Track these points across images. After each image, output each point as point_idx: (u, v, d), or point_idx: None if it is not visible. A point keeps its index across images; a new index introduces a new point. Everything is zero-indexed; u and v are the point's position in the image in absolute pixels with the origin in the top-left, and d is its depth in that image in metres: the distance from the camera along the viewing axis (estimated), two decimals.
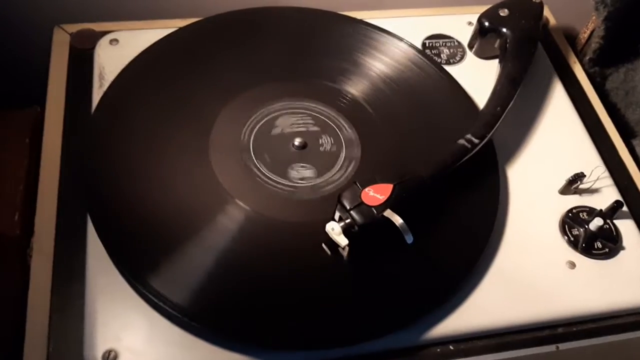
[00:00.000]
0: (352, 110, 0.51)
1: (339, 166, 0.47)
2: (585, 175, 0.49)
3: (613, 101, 0.63)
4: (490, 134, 0.47)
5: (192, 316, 0.39)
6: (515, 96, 0.50)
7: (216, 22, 0.54)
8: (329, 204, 0.43)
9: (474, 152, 0.46)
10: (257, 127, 0.49)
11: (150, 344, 0.40)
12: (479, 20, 0.56)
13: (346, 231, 0.41)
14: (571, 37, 0.66)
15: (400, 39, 0.55)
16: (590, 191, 0.50)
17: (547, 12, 0.63)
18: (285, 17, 0.56)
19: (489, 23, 0.55)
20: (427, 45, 0.58)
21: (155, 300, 0.40)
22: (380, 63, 0.54)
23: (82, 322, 0.40)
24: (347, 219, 0.41)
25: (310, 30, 0.55)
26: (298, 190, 0.46)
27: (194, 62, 0.51)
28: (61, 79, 0.52)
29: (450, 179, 0.45)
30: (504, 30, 0.54)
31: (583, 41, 0.65)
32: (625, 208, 0.48)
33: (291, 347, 0.40)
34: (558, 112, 0.55)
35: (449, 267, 0.44)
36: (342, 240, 0.41)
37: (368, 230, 0.41)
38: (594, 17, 0.62)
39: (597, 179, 0.50)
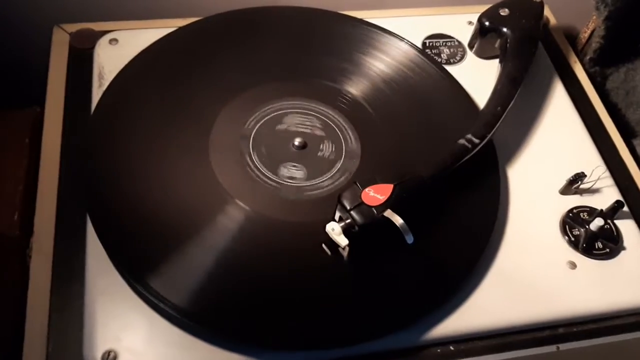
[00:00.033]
0: (352, 110, 0.51)
1: (330, 174, 0.47)
2: (585, 175, 0.49)
3: (613, 101, 0.63)
4: (491, 134, 0.47)
5: (192, 317, 0.39)
6: (516, 96, 0.50)
7: (216, 22, 0.54)
8: (329, 205, 0.43)
9: (474, 152, 0.46)
10: (257, 127, 0.49)
11: (149, 345, 0.39)
12: (479, 20, 0.56)
13: (346, 231, 0.41)
14: (571, 37, 0.66)
15: (401, 39, 0.55)
16: (591, 191, 0.50)
17: (547, 12, 0.63)
18: (285, 16, 0.56)
19: (490, 23, 0.55)
20: (427, 44, 0.58)
21: (155, 301, 0.40)
22: (381, 63, 0.53)
23: (81, 323, 0.40)
24: (347, 219, 0.41)
25: (310, 30, 0.55)
26: (297, 190, 0.46)
27: (194, 62, 0.51)
28: (61, 79, 0.52)
29: (451, 179, 0.45)
30: (505, 29, 0.54)
31: (583, 41, 0.65)
32: (625, 208, 0.48)
33: (291, 347, 0.40)
34: (558, 112, 0.55)
35: (449, 267, 0.44)
36: (342, 241, 0.41)
37: (368, 230, 0.40)
38: (594, 17, 0.62)
39: (598, 179, 0.49)
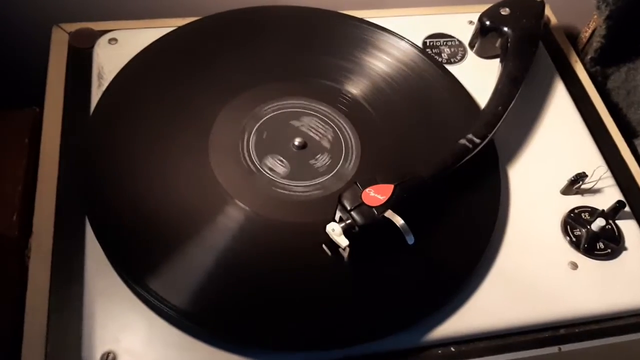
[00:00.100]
0: (352, 109, 0.50)
1: (309, 183, 0.46)
2: (587, 175, 0.48)
3: (614, 101, 0.63)
4: (492, 133, 0.47)
5: (191, 318, 0.39)
6: (517, 96, 0.49)
7: (216, 21, 0.54)
8: (330, 205, 0.43)
9: (475, 152, 0.45)
10: (257, 126, 0.49)
11: (149, 346, 0.39)
12: (480, 19, 0.55)
13: (347, 232, 0.41)
14: (572, 36, 0.66)
15: (401, 38, 0.55)
16: (592, 191, 0.50)
17: (548, 11, 0.63)
18: (285, 16, 0.55)
19: (490, 22, 0.55)
20: (427, 44, 0.58)
21: (154, 302, 0.39)
22: (381, 62, 0.53)
23: (80, 324, 0.40)
24: (347, 219, 0.41)
25: (311, 30, 0.55)
26: (313, 189, 0.46)
27: (194, 62, 0.51)
28: (60, 79, 0.51)
29: (451, 179, 0.45)
30: (505, 29, 0.54)
31: (584, 40, 0.64)
32: (627, 208, 0.48)
33: (291, 348, 0.40)
34: (559, 112, 0.55)
35: (449, 268, 0.44)
36: (343, 241, 0.40)
37: (369, 231, 0.40)
38: (595, 16, 0.62)
39: (599, 179, 0.49)
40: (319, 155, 0.47)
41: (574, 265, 0.46)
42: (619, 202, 0.47)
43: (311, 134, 0.48)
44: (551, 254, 0.46)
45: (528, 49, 0.53)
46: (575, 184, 0.49)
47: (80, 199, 0.45)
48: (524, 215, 0.48)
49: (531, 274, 0.45)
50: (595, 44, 0.62)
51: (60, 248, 0.43)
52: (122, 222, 0.42)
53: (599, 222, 0.46)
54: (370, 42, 0.54)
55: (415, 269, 0.43)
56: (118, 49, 0.52)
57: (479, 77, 0.55)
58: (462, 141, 0.46)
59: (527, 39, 0.53)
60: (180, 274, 0.41)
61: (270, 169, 0.46)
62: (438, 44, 0.58)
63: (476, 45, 0.57)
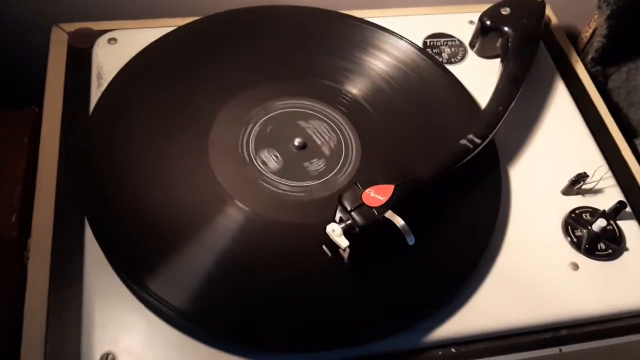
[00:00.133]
0: (352, 109, 0.50)
1: (295, 184, 0.46)
2: (588, 176, 0.48)
3: (615, 101, 0.63)
4: (492, 134, 0.47)
5: (191, 318, 0.39)
6: (517, 96, 0.49)
7: (215, 21, 0.54)
8: (330, 206, 0.42)
9: (475, 152, 0.45)
10: (257, 126, 0.48)
11: (148, 347, 0.39)
12: (481, 19, 0.55)
13: (347, 232, 0.40)
14: (573, 36, 0.66)
15: (401, 38, 0.54)
16: (593, 191, 0.50)
17: (548, 11, 0.63)
18: (285, 16, 0.55)
19: (491, 22, 0.55)
20: (428, 44, 0.58)
21: (153, 303, 0.39)
22: (381, 62, 0.53)
23: (79, 324, 0.40)
24: (347, 220, 0.41)
25: (310, 29, 0.55)
26: (298, 191, 0.45)
27: (193, 62, 0.51)
28: (59, 79, 0.51)
29: (452, 179, 0.45)
30: (506, 29, 0.54)
31: (585, 40, 0.64)
32: (628, 209, 0.48)
33: (291, 349, 0.40)
34: (560, 112, 0.55)
35: (450, 269, 0.43)
36: (343, 242, 0.40)
37: (369, 231, 0.40)
38: (596, 16, 0.62)
39: (600, 179, 0.49)
40: (315, 160, 0.47)
41: (575, 266, 0.46)
42: (620, 202, 0.47)
43: (315, 137, 0.48)
44: (552, 254, 0.46)
45: (529, 49, 0.53)
46: (576, 184, 0.48)
47: (79, 199, 0.44)
48: (525, 216, 0.48)
49: (532, 275, 0.45)
50: (596, 43, 0.62)
51: (59, 248, 0.43)
52: (121, 223, 0.42)
53: (600, 223, 0.46)
54: (370, 42, 0.54)
55: (415, 270, 0.43)
56: (117, 48, 0.52)
57: (480, 77, 0.55)
58: (463, 141, 0.45)
59: (527, 39, 0.53)
60: (179, 275, 0.41)
61: (263, 162, 0.46)
62: (438, 43, 0.58)
63: (477, 45, 0.57)
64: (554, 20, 0.63)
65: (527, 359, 0.42)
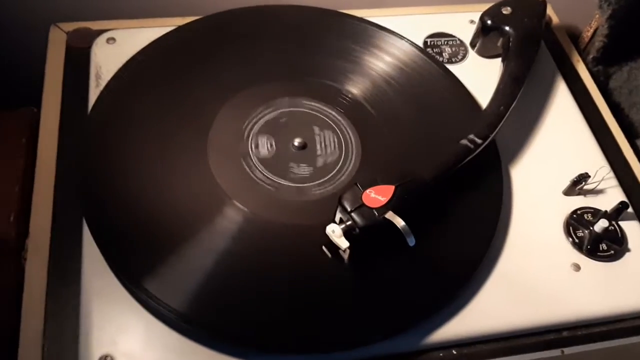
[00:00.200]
0: (352, 109, 0.50)
1: (270, 177, 0.46)
2: (589, 176, 0.48)
3: (616, 100, 0.62)
4: (494, 134, 0.46)
5: (190, 320, 0.39)
6: (519, 95, 0.49)
7: (215, 21, 0.53)
8: (330, 207, 0.42)
9: (476, 152, 0.45)
10: (257, 126, 0.48)
11: (147, 349, 0.39)
12: (481, 19, 0.55)
13: (347, 233, 0.40)
14: (574, 36, 0.65)
15: (402, 38, 0.54)
16: (595, 192, 0.49)
17: (549, 11, 0.63)
18: (285, 15, 0.55)
19: (492, 21, 0.54)
20: (428, 43, 0.57)
21: (152, 304, 0.39)
22: (382, 62, 0.53)
23: (77, 326, 0.40)
24: (348, 221, 0.40)
25: (310, 29, 0.54)
26: (299, 191, 0.45)
27: (192, 62, 0.51)
28: (57, 78, 0.51)
29: (453, 180, 0.45)
30: (507, 28, 0.53)
31: (586, 40, 0.64)
32: (630, 209, 0.48)
33: (291, 351, 0.40)
34: (561, 112, 0.55)
35: (451, 270, 0.43)
36: (343, 243, 0.40)
37: (369, 232, 0.40)
38: (597, 16, 0.62)
39: (602, 179, 0.49)
40: (303, 165, 0.47)
41: (577, 267, 0.45)
42: (622, 203, 0.46)
43: (317, 145, 0.47)
44: (553, 255, 0.46)
45: (530, 49, 0.53)
46: (577, 185, 0.48)
47: (77, 200, 0.44)
48: (526, 216, 0.47)
49: (533, 276, 0.45)
50: (598, 43, 0.61)
51: (57, 249, 0.43)
52: (119, 223, 0.42)
53: (602, 223, 0.45)
54: (370, 42, 0.54)
55: (416, 271, 0.43)
56: (116, 48, 0.52)
57: (481, 77, 0.55)
58: (464, 142, 0.45)
59: (529, 39, 0.53)
60: (178, 276, 0.40)
61: (255, 146, 0.46)
62: (439, 43, 0.57)
63: (477, 45, 0.57)
64: (555, 19, 0.63)
65: None
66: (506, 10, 0.54)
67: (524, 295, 0.43)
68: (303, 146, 0.47)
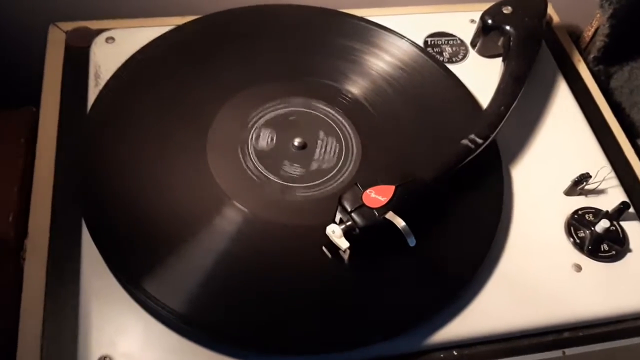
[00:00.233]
0: (352, 109, 0.50)
1: (258, 168, 0.46)
2: (591, 176, 0.48)
3: (617, 100, 0.62)
4: (494, 134, 0.46)
5: (189, 321, 0.39)
6: (520, 95, 0.49)
7: (214, 20, 0.53)
8: (330, 207, 0.42)
9: (477, 152, 0.45)
10: (256, 126, 0.48)
11: (146, 350, 0.39)
12: (482, 18, 0.55)
13: (347, 234, 0.40)
14: (575, 35, 0.65)
15: (402, 37, 0.54)
16: (596, 192, 0.49)
17: (550, 10, 0.62)
18: (285, 15, 0.55)
19: (492, 21, 0.54)
20: (429, 43, 0.57)
21: (151, 305, 0.39)
22: (382, 62, 0.53)
23: (76, 327, 0.40)
24: (348, 221, 0.40)
25: (310, 29, 0.54)
26: (298, 191, 0.45)
27: (192, 61, 0.51)
28: (56, 78, 0.51)
29: (453, 180, 0.44)
30: (508, 28, 0.53)
31: (587, 39, 0.64)
32: (631, 209, 0.47)
33: (291, 352, 0.40)
34: (562, 112, 0.54)
35: (452, 270, 0.43)
36: (343, 243, 0.40)
37: (369, 232, 0.40)
38: (598, 15, 0.61)
39: (603, 179, 0.49)
40: (296, 165, 0.46)
41: (578, 267, 0.45)
42: (623, 203, 0.46)
43: (317, 150, 0.47)
44: (555, 255, 0.46)
45: (531, 48, 0.53)
46: (578, 185, 0.48)
47: (76, 200, 0.44)
48: (527, 217, 0.47)
49: (534, 276, 0.44)
50: (599, 42, 0.61)
51: (56, 249, 0.43)
52: (118, 223, 0.42)
53: (603, 224, 0.45)
54: (370, 41, 0.54)
55: (416, 272, 0.43)
56: (115, 47, 0.52)
57: (481, 77, 0.54)
58: (464, 141, 0.45)
59: (529, 38, 0.53)
60: (178, 276, 0.40)
61: (257, 137, 0.46)
62: (439, 42, 0.57)
63: (478, 44, 0.57)
64: (555, 19, 0.63)
65: None
66: (507, 10, 0.54)
67: (525, 296, 0.43)
68: (302, 147, 0.47)
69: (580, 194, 0.49)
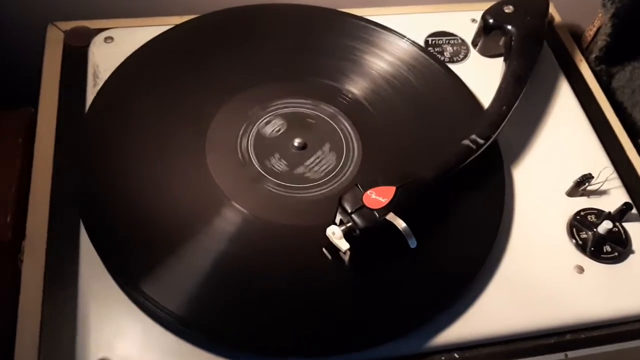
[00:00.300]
0: (353, 109, 0.50)
1: (248, 155, 0.46)
2: (593, 177, 0.48)
3: (619, 100, 0.62)
4: (496, 134, 0.46)
5: (189, 323, 0.38)
6: (521, 95, 0.48)
7: (213, 20, 0.53)
8: (330, 208, 0.42)
9: (478, 153, 0.45)
10: (256, 127, 0.48)
11: (145, 352, 0.38)
12: (483, 17, 0.55)
13: (347, 235, 0.40)
14: (577, 35, 0.65)
15: (402, 37, 0.54)
16: (599, 193, 0.49)
17: (552, 9, 0.62)
18: (285, 14, 0.55)
19: (494, 20, 0.54)
20: (429, 42, 0.57)
21: (150, 307, 0.39)
22: (382, 61, 0.52)
23: (74, 329, 0.39)
24: (348, 222, 0.40)
25: (310, 28, 0.54)
26: (298, 192, 0.45)
27: (191, 61, 0.50)
28: (54, 78, 0.51)
29: (455, 180, 0.44)
30: (509, 27, 0.53)
31: (589, 39, 0.64)
32: (634, 210, 0.47)
33: (290, 354, 0.39)
34: (564, 112, 0.54)
35: (453, 272, 0.43)
36: (343, 245, 0.40)
37: (370, 234, 0.40)
38: (600, 14, 0.61)
39: (606, 180, 0.48)
40: (283, 162, 0.46)
41: (580, 269, 0.45)
42: (625, 204, 0.46)
43: (312, 158, 0.47)
44: (557, 257, 0.45)
45: (532, 48, 0.52)
46: (581, 186, 0.48)
47: (74, 201, 0.44)
48: (529, 218, 0.47)
49: (536, 278, 0.44)
50: (600, 42, 0.61)
51: (54, 251, 0.43)
52: (117, 225, 0.42)
53: (606, 225, 0.45)
54: (371, 41, 0.53)
55: (417, 273, 0.43)
56: (114, 47, 0.52)
57: (482, 76, 0.54)
58: (466, 142, 0.45)
59: (531, 38, 0.53)
60: (177, 278, 0.40)
61: (267, 122, 0.46)
62: (440, 42, 0.57)
63: (479, 44, 0.56)
64: (557, 18, 0.63)
65: None
66: (508, 9, 0.54)
67: (526, 298, 0.43)
68: (300, 148, 0.47)
69: (582, 195, 0.49)
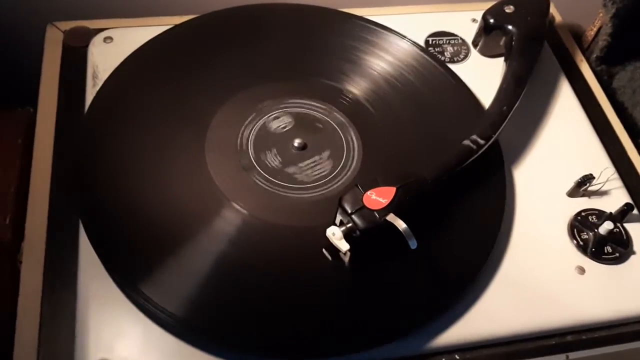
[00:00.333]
0: (353, 109, 0.49)
1: (255, 154, 0.46)
2: (594, 177, 0.47)
3: (620, 100, 0.62)
4: (496, 134, 0.46)
5: (189, 324, 0.38)
6: (522, 95, 0.48)
7: (213, 20, 0.53)
8: (330, 209, 0.42)
9: (479, 153, 0.45)
10: (256, 127, 0.48)
11: (144, 354, 0.38)
12: (484, 17, 0.54)
13: (347, 236, 0.40)
14: (577, 35, 0.65)
15: (403, 37, 0.54)
16: (600, 193, 0.49)
17: (553, 9, 0.62)
18: (285, 14, 0.55)
19: (494, 20, 0.54)
20: (430, 42, 0.57)
21: (150, 308, 0.39)
22: (383, 61, 0.52)
23: (73, 330, 0.39)
24: (348, 223, 0.40)
25: (310, 28, 0.54)
26: (298, 193, 0.45)
27: (190, 61, 0.50)
28: (54, 78, 0.51)
29: (455, 181, 0.44)
30: (510, 27, 0.53)
31: (590, 39, 0.63)
32: (635, 211, 0.47)
33: (290, 355, 0.39)
34: (565, 112, 0.54)
35: (453, 273, 0.43)
36: (343, 246, 0.40)
37: (370, 235, 0.39)
38: (601, 14, 0.61)
39: (607, 180, 0.48)
40: (278, 158, 0.46)
41: (581, 270, 0.45)
42: (627, 204, 0.46)
43: (308, 161, 0.47)
44: (557, 258, 0.45)
45: (533, 48, 0.52)
46: (582, 186, 0.48)
47: (74, 201, 0.44)
48: (530, 218, 0.47)
49: (537, 279, 0.44)
50: (601, 42, 0.61)
51: (53, 252, 0.43)
52: (116, 226, 0.42)
53: (607, 226, 0.45)
54: (371, 41, 0.53)
55: (417, 274, 0.42)
56: (113, 47, 0.52)
57: (483, 77, 0.54)
58: (466, 142, 0.45)
59: (532, 38, 0.52)
60: (176, 279, 0.40)
61: (275, 117, 0.47)
62: (441, 42, 0.57)
63: (480, 44, 0.56)
64: (558, 18, 0.63)
65: None
66: (509, 9, 0.54)
67: (527, 299, 0.43)
68: (299, 149, 0.47)
69: (583, 196, 0.48)
